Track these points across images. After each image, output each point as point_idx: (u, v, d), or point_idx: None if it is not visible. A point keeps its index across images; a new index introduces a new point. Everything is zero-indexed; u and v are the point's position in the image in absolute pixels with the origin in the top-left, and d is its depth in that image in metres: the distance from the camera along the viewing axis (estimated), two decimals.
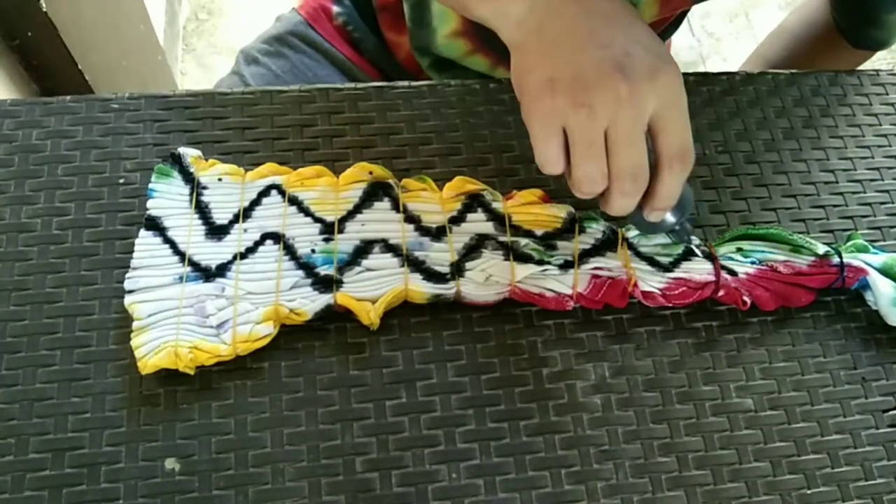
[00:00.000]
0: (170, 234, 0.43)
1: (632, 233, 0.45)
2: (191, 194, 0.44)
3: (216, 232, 0.43)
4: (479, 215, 0.45)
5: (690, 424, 0.42)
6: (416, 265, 0.43)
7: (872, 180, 0.51)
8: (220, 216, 0.44)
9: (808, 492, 0.40)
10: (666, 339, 0.44)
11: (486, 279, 0.43)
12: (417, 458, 0.39)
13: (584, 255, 0.44)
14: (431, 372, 0.42)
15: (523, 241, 0.44)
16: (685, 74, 0.53)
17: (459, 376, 0.42)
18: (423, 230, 0.44)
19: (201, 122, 0.48)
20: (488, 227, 0.44)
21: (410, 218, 0.44)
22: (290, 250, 0.43)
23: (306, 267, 0.42)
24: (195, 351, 0.39)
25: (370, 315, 0.41)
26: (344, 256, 0.43)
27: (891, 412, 0.43)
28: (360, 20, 0.65)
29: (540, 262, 0.43)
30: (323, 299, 0.41)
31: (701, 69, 1.38)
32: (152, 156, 0.46)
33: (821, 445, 0.42)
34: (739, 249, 0.45)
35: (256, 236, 0.43)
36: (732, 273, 0.44)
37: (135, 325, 0.40)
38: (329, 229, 0.44)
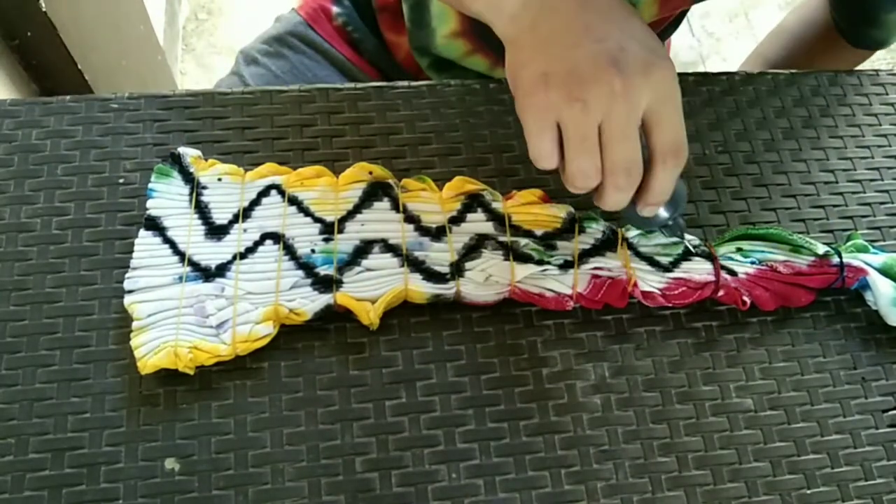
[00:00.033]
0: (169, 234, 0.43)
1: (632, 233, 0.45)
2: (190, 194, 0.44)
3: (216, 232, 0.43)
4: (479, 215, 0.45)
5: (690, 424, 0.42)
6: (416, 265, 0.43)
7: (872, 180, 0.51)
8: (220, 216, 0.44)
9: (808, 492, 0.40)
10: (666, 339, 0.44)
11: (486, 279, 0.43)
12: (417, 458, 0.39)
13: (584, 255, 0.44)
14: (431, 372, 0.42)
15: (523, 241, 0.44)
16: (685, 74, 0.53)
17: (459, 376, 0.42)
18: (423, 230, 0.44)
19: (201, 122, 0.48)
20: (488, 227, 0.44)
21: (410, 218, 0.44)
22: (289, 250, 0.43)
23: (306, 267, 0.42)
24: (195, 351, 0.39)
25: (370, 315, 0.41)
26: (344, 256, 0.43)
27: (891, 412, 0.43)
28: (359, 21, 0.65)
29: (540, 262, 0.43)
30: (323, 299, 0.41)
31: (701, 69, 1.38)
32: (152, 156, 0.46)
33: (821, 445, 0.42)
34: (739, 249, 0.45)
35: (256, 236, 0.43)
36: (732, 273, 0.44)
37: (134, 325, 0.40)
38: (329, 229, 0.44)
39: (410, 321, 0.43)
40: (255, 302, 0.41)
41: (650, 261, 0.44)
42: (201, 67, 1.44)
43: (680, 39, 1.57)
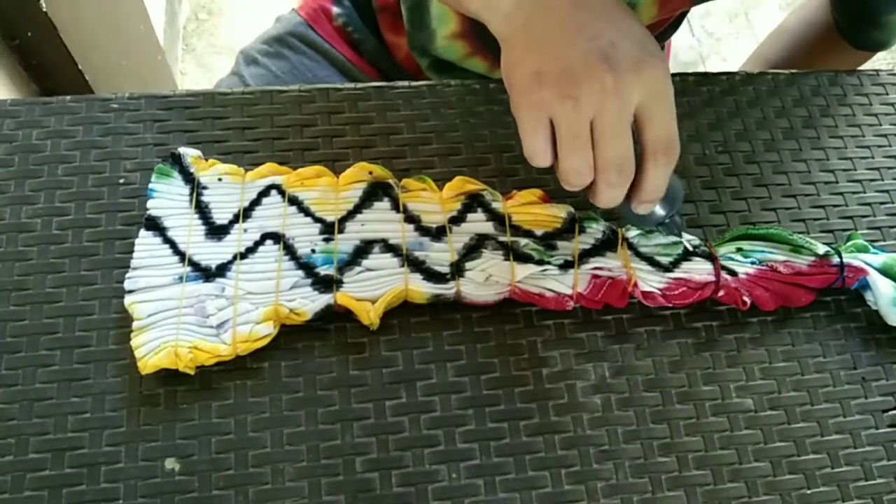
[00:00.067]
0: (170, 234, 0.43)
1: (632, 233, 0.45)
2: (191, 194, 0.44)
3: (216, 232, 0.43)
4: (479, 215, 0.45)
5: (690, 424, 0.42)
6: (416, 265, 0.43)
7: (872, 180, 0.51)
8: (220, 216, 0.44)
9: (808, 492, 0.40)
10: (666, 339, 0.44)
11: (486, 279, 0.43)
12: (417, 458, 0.39)
13: (584, 255, 0.44)
14: (431, 372, 0.42)
15: (523, 241, 0.44)
16: (685, 74, 0.53)
17: (459, 376, 0.42)
18: (423, 230, 0.44)
19: (201, 122, 0.48)
20: (488, 227, 0.44)
21: (410, 218, 0.44)
22: (290, 250, 0.43)
23: (306, 267, 0.42)
24: (195, 351, 0.39)
25: (370, 315, 0.41)
26: (344, 256, 0.43)
27: (891, 412, 0.43)
28: (359, 21, 0.65)
29: (540, 262, 0.43)
30: (323, 299, 0.41)
31: (701, 69, 1.38)
32: (152, 156, 0.46)
33: (821, 445, 0.42)
34: (739, 249, 0.45)
35: (256, 236, 0.43)
36: (732, 273, 0.44)
37: (135, 325, 0.40)
38: (329, 229, 0.44)
39: (410, 321, 0.43)
40: (256, 302, 0.41)
41: (650, 261, 0.44)
42: (201, 67, 1.44)
43: (680, 39, 1.57)
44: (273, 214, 0.44)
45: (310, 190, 0.45)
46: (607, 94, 0.34)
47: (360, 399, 0.41)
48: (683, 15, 0.63)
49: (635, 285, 0.43)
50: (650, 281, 0.43)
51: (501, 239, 0.44)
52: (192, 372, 0.40)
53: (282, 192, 0.45)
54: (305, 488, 0.38)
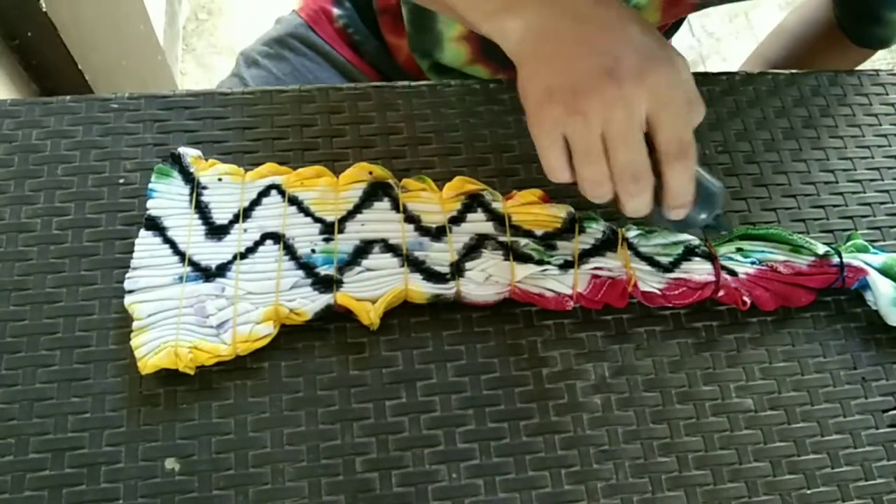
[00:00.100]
0: (170, 234, 0.43)
1: (632, 233, 0.45)
2: (191, 194, 0.44)
3: (216, 232, 0.43)
4: (479, 215, 0.45)
5: (690, 424, 0.42)
6: (416, 265, 0.43)
7: (872, 180, 0.51)
8: (220, 216, 0.44)
9: (808, 492, 0.40)
10: (666, 339, 0.44)
11: (486, 279, 0.43)
12: (417, 458, 0.39)
13: (584, 255, 0.44)
14: (431, 372, 0.42)
15: (523, 241, 0.44)
16: None
17: (459, 376, 0.42)
18: (423, 230, 0.44)
19: (201, 122, 0.48)
20: (488, 227, 0.44)
21: (410, 218, 0.44)
22: (290, 250, 0.43)
23: (306, 267, 0.42)
24: (195, 351, 0.39)
25: (370, 315, 0.41)
26: (344, 256, 0.43)
27: (891, 412, 0.43)
28: (360, 23, 0.65)
29: (540, 262, 0.43)
30: (323, 299, 0.41)
31: (701, 69, 1.38)
32: (152, 156, 0.46)
33: (821, 445, 0.42)
34: (739, 249, 0.45)
35: (256, 236, 0.43)
36: (732, 273, 0.44)
37: (135, 325, 0.40)
38: (329, 229, 0.44)
39: (410, 321, 0.43)
40: (256, 302, 0.41)
41: (650, 261, 0.44)
42: (201, 67, 1.45)
43: (680, 39, 1.57)
44: (273, 214, 0.44)
45: (310, 190, 0.45)
46: (613, 105, 0.34)
47: (360, 399, 0.41)
48: (683, 18, 0.63)
49: (635, 285, 0.43)
50: (650, 281, 0.43)
51: (501, 239, 0.44)
52: (192, 372, 0.40)
53: (282, 192, 0.45)
54: (305, 488, 0.38)
